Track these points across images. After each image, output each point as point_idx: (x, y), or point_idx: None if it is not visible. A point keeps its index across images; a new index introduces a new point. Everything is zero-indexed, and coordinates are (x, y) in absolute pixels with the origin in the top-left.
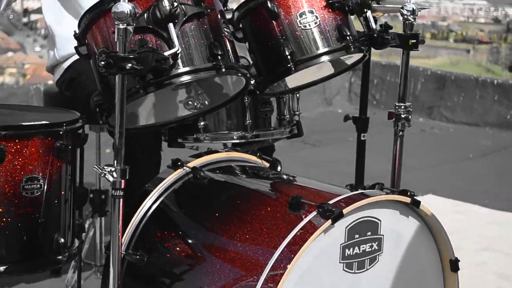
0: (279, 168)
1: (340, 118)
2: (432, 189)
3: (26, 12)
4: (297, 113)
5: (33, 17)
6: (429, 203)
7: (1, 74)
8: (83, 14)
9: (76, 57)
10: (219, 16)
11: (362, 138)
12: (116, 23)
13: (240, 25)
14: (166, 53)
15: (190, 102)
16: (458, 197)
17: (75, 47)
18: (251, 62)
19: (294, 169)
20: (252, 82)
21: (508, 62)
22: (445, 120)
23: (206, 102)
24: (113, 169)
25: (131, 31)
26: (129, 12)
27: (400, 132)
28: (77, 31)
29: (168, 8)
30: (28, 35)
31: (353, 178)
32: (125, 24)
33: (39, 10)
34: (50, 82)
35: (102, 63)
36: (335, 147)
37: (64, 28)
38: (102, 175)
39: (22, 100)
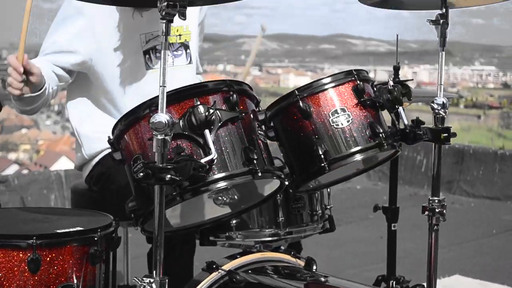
0: (314, 267)
1: (359, 195)
2: (458, 269)
3: None
4: (329, 207)
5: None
6: (457, 285)
7: (15, 151)
8: (118, 120)
9: (104, 153)
10: (252, 119)
11: (392, 228)
12: (154, 133)
13: (271, 124)
14: (203, 160)
15: (220, 198)
16: (485, 277)
17: (109, 154)
18: (283, 160)
19: (315, 250)
20: (286, 183)
21: None
22: (465, 195)
23: (236, 196)
24: (152, 280)
25: (169, 140)
26: (166, 123)
27: (435, 227)
28: (111, 137)
29: (204, 114)
30: (41, 111)
31: (377, 258)
32: (163, 135)
33: None
34: (64, 166)
35: (141, 174)
36: (355, 225)
37: (88, 128)
38: (141, 287)
39: (43, 187)
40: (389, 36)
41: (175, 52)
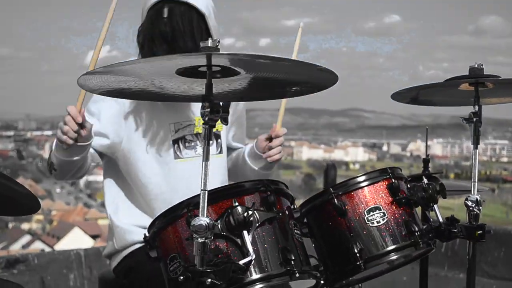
0: None
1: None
2: None
3: None
4: None
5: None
6: None
7: (28, 221)
8: (155, 219)
9: (135, 246)
10: (288, 217)
11: None
12: (194, 236)
13: (305, 220)
14: (241, 262)
15: None
16: None
17: (144, 251)
18: (317, 257)
19: None
20: (322, 282)
21: None
22: (486, 276)
23: None
24: None
25: (209, 243)
26: (207, 226)
27: None
28: (147, 234)
29: (242, 216)
30: (55, 182)
31: None
32: (203, 238)
33: None
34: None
35: (181, 277)
36: None
37: (122, 219)
38: None
39: (62, 266)
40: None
41: None
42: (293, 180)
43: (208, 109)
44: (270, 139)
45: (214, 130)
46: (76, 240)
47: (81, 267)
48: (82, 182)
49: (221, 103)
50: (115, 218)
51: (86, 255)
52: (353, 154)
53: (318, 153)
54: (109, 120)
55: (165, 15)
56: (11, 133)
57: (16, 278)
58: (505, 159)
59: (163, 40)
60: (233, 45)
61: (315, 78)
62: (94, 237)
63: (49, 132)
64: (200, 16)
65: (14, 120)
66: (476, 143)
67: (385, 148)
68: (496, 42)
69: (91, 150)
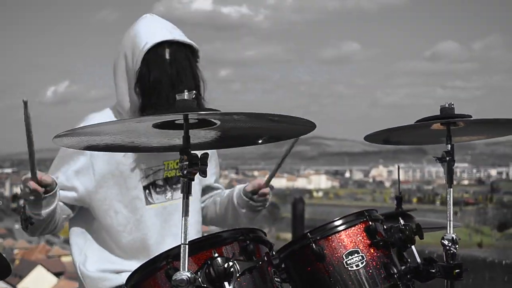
0: None
1: None
2: None
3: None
4: None
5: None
6: None
7: None
8: (133, 272)
9: None
10: (267, 265)
11: None
12: None
13: (283, 265)
14: None
15: None
16: None
17: None
18: None
19: None
20: None
21: (496, 221)
22: None
23: None
24: None
25: None
26: (188, 280)
27: None
28: None
29: (222, 267)
30: (17, 220)
31: None
32: None
33: None
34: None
35: None
36: None
37: (92, 268)
38: None
39: None
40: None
41: (174, 186)
42: None
43: (187, 162)
44: (255, 192)
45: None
46: (39, 279)
47: None
48: None
49: (199, 155)
50: (85, 268)
51: None
52: (316, 182)
53: (281, 182)
54: (76, 174)
55: (168, 56)
56: None
57: None
58: (466, 182)
59: (169, 83)
60: None
61: (293, 128)
62: (57, 274)
63: (9, 170)
64: (194, 52)
65: None
66: (450, 182)
67: (347, 174)
68: (453, 66)
69: (60, 203)
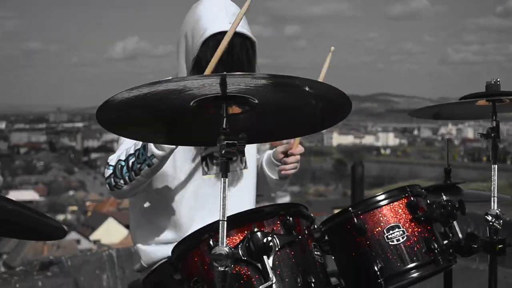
0: None
1: None
2: None
3: (86, 151)
4: None
5: (93, 155)
6: None
7: (63, 213)
8: (178, 243)
9: (162, 261)
10: (308, 239)
11: None
12: (214, 264)
13: (326, 237)
14: (261, 287)
15: None
16: None
17: (170, 274)
18: (339, 274)
19: None
20: None
21: None
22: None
23: None
24: None
25: (229, 272)
26: (227, 254)
27: None
28: (172, 258)
29: (262, 241)
30: (88, 173)
31: None
32: (223, 267)
33: (98, 149)
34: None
35: None
36: None
37: (146, 239)
38: None
39: (96, 267)
40: (431, 94)
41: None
42: (324, 167)
43: (225, 142)
44: (286, 153)
45: None
46: (111, 230)
47: (114, 267)
48: None
49: (239, 136)
50: (140, 240)
51: (119, 255)
52: (384, 139)
53: (348, 139)
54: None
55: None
56: (43, 125)
57: (50, 280)
58: None
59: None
60: (260, 34)
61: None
62: (128, 226)
63: (80, 124)
64: (252, 45)
65: (46, 113)
66: (495, 158)
67: (416, 132)
68: None
69: None
